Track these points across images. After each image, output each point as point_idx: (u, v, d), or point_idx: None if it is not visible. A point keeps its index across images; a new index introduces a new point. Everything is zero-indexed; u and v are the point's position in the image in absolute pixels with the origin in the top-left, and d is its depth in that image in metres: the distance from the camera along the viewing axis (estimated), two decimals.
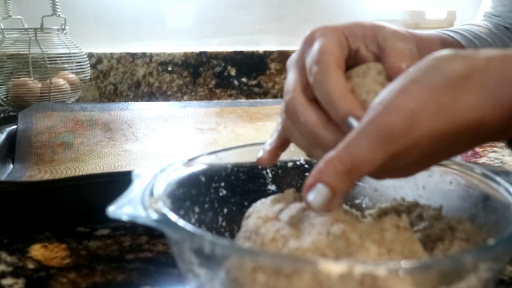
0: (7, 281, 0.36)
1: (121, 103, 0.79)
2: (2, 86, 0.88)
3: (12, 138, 0.64)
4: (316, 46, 0.32)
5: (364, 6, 1.12)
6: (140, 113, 0.76)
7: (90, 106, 0.76)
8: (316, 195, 0.26)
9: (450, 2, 1.09)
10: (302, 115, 0.31)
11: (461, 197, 0.33)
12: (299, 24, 1.12)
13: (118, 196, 0.28)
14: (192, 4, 1.08)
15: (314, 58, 0.31)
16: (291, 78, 0.33)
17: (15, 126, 0.66)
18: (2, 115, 0.92)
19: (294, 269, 0.23)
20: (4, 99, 0.88)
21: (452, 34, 0.48)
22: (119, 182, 0.32)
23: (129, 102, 0.81)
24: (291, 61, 0.34)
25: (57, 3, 0.88)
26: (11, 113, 0.92)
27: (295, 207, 0.30)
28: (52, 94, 0.85)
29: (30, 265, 0.38)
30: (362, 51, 0.34)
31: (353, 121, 0.28)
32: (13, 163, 0.61)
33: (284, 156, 0.37)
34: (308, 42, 0.33)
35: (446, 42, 0.45)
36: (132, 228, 0.45)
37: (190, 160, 0.35)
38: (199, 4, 1.08)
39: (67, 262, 0.39)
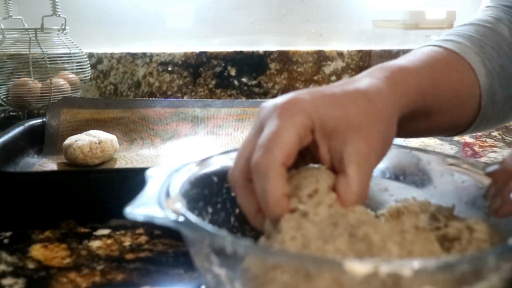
0: (7, 281, 0.36)
1: (145, 100, 0.77)
2: (2, 86, 0.88)
3: (35, 131, 0.67)
4: (270, 128, 0.29)
5: (364, 6, 1.12)
6: (160, 112, 0.75)
7: (115, 102, 0.75)
8: None
9: (450, 2, 1.09)
10: (237, 197, 0.31)
11: (473, 197, 0.33)
12: (299, 24, 1.12)
13: (120, 192, 0.28)
14: (192, 4, 1.08)
15: (263, 143, 0.29)
16: (241, 147, 0.32)
17: (40, 120, 0.69)
18: (2, 115, 0.92)
19: (317, 270, 0.23)
20: (5, 99, 0.88)
21: (458, 50, 0.43)
22: (124, 178, 0.32)
23: (153, 99, 0.78)
24: (253, 125, 0.32)
25: (57, 3, 0.88)
26: (11, 113, 0.92)
27: (323, 204, 0.29)
28: (52, 94, 0.85)
29: (31, 265, 0.38)
30: (322, 151, 0.31)
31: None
32: (37, 155, 0.64)
33: None
34: (270, 114, 0.30)
35: (455, 71, 0.42)
36: (132, 228, 0.45)
37: (203, 160, 0.35)
38: (199, 4, 1.08)
39: (67, 262, 0.39)
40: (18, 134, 0.62)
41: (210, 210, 0.34)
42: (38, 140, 0.67)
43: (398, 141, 0.66)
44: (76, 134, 0.65)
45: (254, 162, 0.29)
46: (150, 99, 0.79)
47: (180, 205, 0.27)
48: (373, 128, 0.31)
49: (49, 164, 0.61)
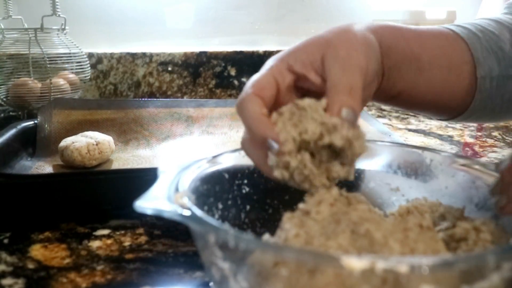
0: (7, 281, 0.36)
1: (138, 100, 0.77)
2: (2, 86, 0.88)
3: (27, 134, 0.66)
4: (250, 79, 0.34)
5: (364, 6, 1.12)
6: (154, 112, 0.75)
7: (107, 102, 0.75)
8: None
9: (450, 2, 1.10)
10: (249, 157, 0.33)
11: (484, 198, 0.33)
12: (299, 24, 1.11)
13: (124, 193, 0.28)
14: (192, 4, 1.08)
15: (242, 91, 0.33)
16: None
17: (31, 122, 0.68)
18: (2, 115, 0.92)
19: (316, 265, 0.24)
20: (4, 99, 0.88)
21: (453, 28, 0.45)
22: (131, 178, 0.32)
23: (146, 99, 0.78)
24: None
25: (57, 3, 0.88)
26: (11, 113, 0.92)
27: (324, 203, 0.30)
28: (52, 94, 0.85)
29: (30, 265, 0.38)
30: (311, 77, 0.33)
31: (271, 142, 0.30)
32: (30, 157, 0.63)
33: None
34: None
35: (443, 37, 0.44)
36: (132, 228, 0.45)
37: (214, 157, 0.35)
38: (199, 4, 1.08)
39: (67, 262, 0.39)
40: (12, 137, 0.61)
41: (220, 206, 0.34)
42: (30, 142, 0.66)
43: (401, 140, 0.66)
44: (69, 135, 0.64)
45: (235, 106, 0.33)
46: (143, 99, 0.79)
47: (187, 200, 0.28)
48: (344, 37, 0.34)
49: (46, 167, 0.60)
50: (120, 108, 0.74)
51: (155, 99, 0.87)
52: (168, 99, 0.84)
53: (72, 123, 0.70)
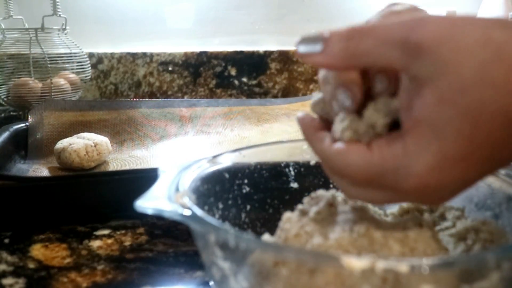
0: (7, 281, 0.36)
1: (130, 100, 0.77)
2: (3, 86, 0.88)
3: (19, 136, 0.65)
4: None
5: (364, 6, 1.12)
6: (147, 112, 0.75)
7: (99, 103, 0.75)
8: (306, 39, 0.25)
9: (450, 2, 1.09)
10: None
11: (484, 197, 0.33)
12: (299, 24, 1.11)
13: (122, 192, 0.28)
14: (192, 4, 1.08)
15: None
16: None
17: (23, 124, 0.67)
18: (2, 115, 0.92)
19: (316, 265, 0.24)
20: (5, 99, 0.88)
21: None
22: (137, 178, 0.32)
23: (138, 100, 0.79)
24: None
25: (57, 3, 0.88)
26: (11, 113, 0.92)
27: (323, 203, 0.30)
28: (52, 94, 0.85)
29: (31, 265, 0.38)
30: None
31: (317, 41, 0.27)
32: (23, 160, 0.63)
33: (306, 155, 0.37)
34: None
35: None
36: (132, 227, 0.45)
37: (214, 157, 0.36)
38: (199, 4, 1.08)
39: (67, 261, 0.39)
40: (6, 140, 0.60)
41: (220, 206, 0.34)
42: (23, 145, 0.65)
43: None
44: (61, 137, 0.63)
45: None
46: (135, 99, 0.79)
47: (187, 199, 0.28)
48: None
49: (43, 169, 0.59)
50: (112, 109, 0.73)
51: (147, 99, 0.87)
52: (160, 99, 0.85)
53: (64, 125, 0.69)
